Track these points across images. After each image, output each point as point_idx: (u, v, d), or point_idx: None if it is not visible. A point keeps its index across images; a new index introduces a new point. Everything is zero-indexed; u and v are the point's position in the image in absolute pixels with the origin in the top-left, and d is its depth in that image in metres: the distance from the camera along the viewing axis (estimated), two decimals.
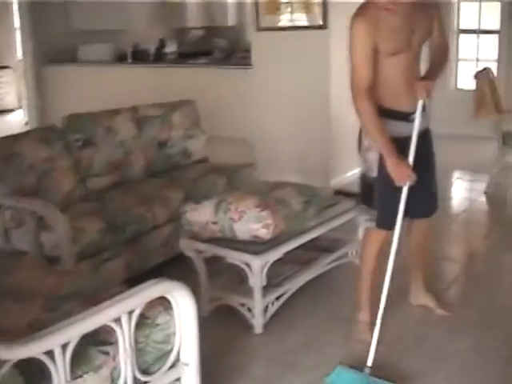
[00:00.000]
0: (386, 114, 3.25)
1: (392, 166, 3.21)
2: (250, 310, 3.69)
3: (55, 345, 2.15)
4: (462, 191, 6.97)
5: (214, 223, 3.68)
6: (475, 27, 9.39)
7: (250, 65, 6.87)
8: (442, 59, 3.54)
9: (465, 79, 9.49)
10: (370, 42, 3.14)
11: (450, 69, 9.39)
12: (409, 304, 3.99)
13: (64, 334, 2.16)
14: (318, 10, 6.29)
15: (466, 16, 9.49)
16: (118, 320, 2.35)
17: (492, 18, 9.21)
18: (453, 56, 9.44)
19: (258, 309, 3.65)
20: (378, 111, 3.20)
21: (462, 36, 9.48)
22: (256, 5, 6.64)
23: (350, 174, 6.94)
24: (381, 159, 3.29)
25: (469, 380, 3.22)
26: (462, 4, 9.41)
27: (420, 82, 3.32)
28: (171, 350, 2.66)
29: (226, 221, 3.64)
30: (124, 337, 2.39)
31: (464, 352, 3.46)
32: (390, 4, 3.15)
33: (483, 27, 9.35)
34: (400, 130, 3.29)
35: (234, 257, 3.66)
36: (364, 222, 3.56)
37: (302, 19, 6.43)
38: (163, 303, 2.64)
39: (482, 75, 6.29)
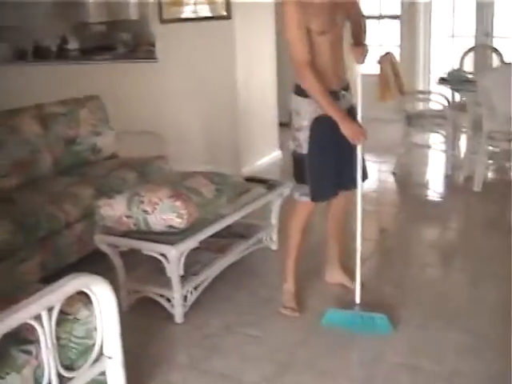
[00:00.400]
0: None
1: (346, 129, 3.42)
2: (169, 300, 3.71)
3: None
4: (371, 172, 7.12)
5: (128, 217, 3.68)
6: (376, 13, 9.61)
7: (155, 58, 6.85)
8: (361, 29, 3.75)
9: (368, 64, 9.67)
10: (303, 21, 3.31)
11: None
12: (325, 282, 4.12)
13: None
14: (221, 1, 6.32)
15: (368, 1, 9.68)
16: (38, 317, 2.32)
17: (393, 3, 9.43)
18: None
19: (177, 299, 3.67)
20: (303, 90, 3.45)
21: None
22: None
23: (260, 162, 7.04)
24: (310, 137, 3.50)
25: (387, 348, 3.36)
26: None
27: (354, 48, 3.61)
28: (94, 345, 2.65)
29: (139, 213, 3.64)
30: (45, 334, 2.36)
31: None
32: None
33: (384, 13, 9.57)
34: None
35: (150, 248, 3.66)
36: (299, 197, 3.68)
37: (205, 10, 6.45)
38: (82, 299, 2.63)
39: (385, 59, 6.44)
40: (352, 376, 3.17)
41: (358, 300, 3.61)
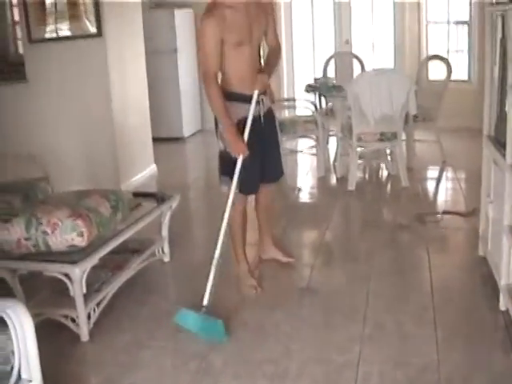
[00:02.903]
0: (234, 97, 3.95)
1: (230, 141, 3.92)
2: (73, 320, 3.69)
3: None
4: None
5: (27, 239, 3.64)
6: None
7: (25, 79, 6.68)
8: (276, 57, 4.22)
9: None
10: (217, 36, 3.76)
11: None
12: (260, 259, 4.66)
13: None
14: (92, 19, 6.30)
15: None
16: None
17: None
18: None
19: (81, 318, 3.65)
20: (226, 95, 3.89)
21: None
22: (25, 15, 6.49)
23: (137, 176, 7.07)
24: None
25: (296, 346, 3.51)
26: None
27: (258, 76, 3.97)
28: (12, 370, 2.63)
29: (39, 235, 3.61)
30: None
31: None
32: (232, 2, 3.81)
33: None
34: (245, 110, 3.95)
35: (52, 269, 3.63)
36: (227, 190, 4.04)
37: (75, 28, 6.39)
38: None
39: None
40: (265, 372, 3.28)
41: (205, 302, 3.76)
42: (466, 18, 9.28)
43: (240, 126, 3.95)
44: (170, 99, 9.26)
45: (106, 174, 6.61)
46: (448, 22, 9.44)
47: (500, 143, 3.85)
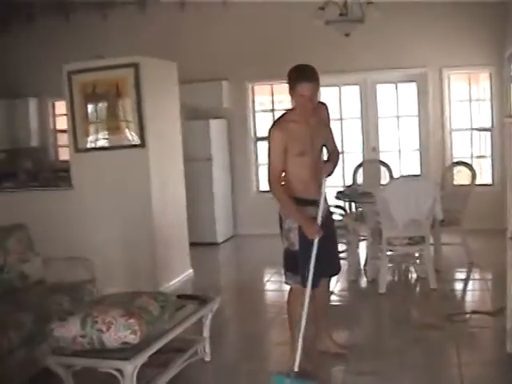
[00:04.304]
0: (299, 201, 4.40)
1: (306, 227, 4.35)
2: None
3: None
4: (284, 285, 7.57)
5: (82, 336, 3.90)
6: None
7: (71, 185, 7.10)
8: (335, 156, 4.72)
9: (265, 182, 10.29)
10: (282, 146, 4.32)
11: (251, 174, 10.25)
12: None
13: None
14: (135, 131, 6.78)
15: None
16: None
17: None
18: (252, 161, 10.30)
19: None
20: (292, 198, 4.38)
21: (259, 143, 10.42)
22: (73, 126, 6.95)
23: (174, 281, 7.31)
24: (300, 237, 4.41)
25: None
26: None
27: (325, 163, 4.59)
28: None
29: (94, 333, 3.88)
30: None
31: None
32: (296, 117, 4.37)
33: None
34: (310, 213, 4.43)
35: (106, 365, 3.89)
36: (293, 284, 4.60)
37: (118, 139, 6.86)
38: None
39: None
40: None
41: (296, 368, 4.27)
42: (489, 125, 9.69)
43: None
44: (205, 205, 9.66)
45: (144, 277, 6.88)
46: (471, 129, 9.84)
47: None
